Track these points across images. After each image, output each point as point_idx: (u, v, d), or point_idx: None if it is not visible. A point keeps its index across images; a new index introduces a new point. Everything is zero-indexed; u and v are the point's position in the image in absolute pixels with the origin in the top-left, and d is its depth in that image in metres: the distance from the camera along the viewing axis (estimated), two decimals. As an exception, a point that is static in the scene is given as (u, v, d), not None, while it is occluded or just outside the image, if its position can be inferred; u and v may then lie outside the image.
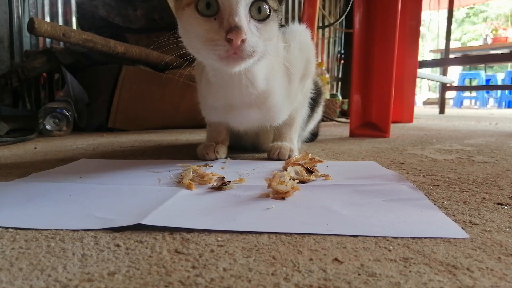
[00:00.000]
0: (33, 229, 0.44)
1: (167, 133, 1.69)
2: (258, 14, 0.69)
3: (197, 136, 1.54)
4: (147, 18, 2.10)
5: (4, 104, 1.94)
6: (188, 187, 0.62)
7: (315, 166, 0.76)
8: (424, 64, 3.62)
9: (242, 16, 0.65)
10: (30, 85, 2.05)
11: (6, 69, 1.93)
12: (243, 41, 0.64)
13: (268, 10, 0.70)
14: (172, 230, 0.44)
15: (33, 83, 2.07)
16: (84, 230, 0.43)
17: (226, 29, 0.64)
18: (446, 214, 0.49)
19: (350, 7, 2.34)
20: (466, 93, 7.31)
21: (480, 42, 7.95)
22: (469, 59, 4.97)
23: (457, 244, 0.40)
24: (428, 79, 5.07)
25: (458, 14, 9.93)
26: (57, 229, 0.44)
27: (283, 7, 0.73)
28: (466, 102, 7.53)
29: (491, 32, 6.89)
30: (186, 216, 0.48)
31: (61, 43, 1.99)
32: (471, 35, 10.76)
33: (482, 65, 6.90)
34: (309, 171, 0.72)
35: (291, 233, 0.43)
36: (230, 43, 0.64)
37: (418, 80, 3.32)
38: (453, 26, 5.20)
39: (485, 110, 5.59)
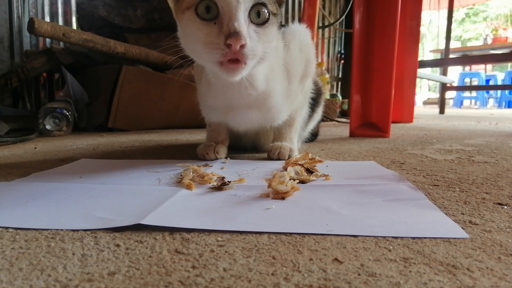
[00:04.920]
0: (33, 229, 0.44)
1: (167, 133, 1.69)
2: (258, 18, 0.69)
3: (197, 136, 1.54)
4: (147, 18, 2.10)
5: (4, 104, 1.94)
6: (188, 187, 0.62)
7: (315, 166, 0.76)
8: (424, 64, 3.62)
9: (242, 21, 0.65)
10: (30, 85, 2.05)
11: (6, 69, 1.93)
12: (242, 46, 0.64)
13: (268, 14, 0.70)
14: (172, 230, 0.44)
15: (33, 83, 2.07)
16: (84, 230, 0.43)
17: (225, 34, 0.64)
18: (446, 214, 0.49)
19: (350, 7, 2.35)
20: (466, 93, 7.30)
21: (480, 42, 7.95)
22: (469, 59, 4.96)
23: (457, 244, 0.40)
24: (428, 79, 5.06)
25: (457, 15, 9.91)
26: (57, 229, 0.44)
27: (283, 8, 0.72)
28: (466, 102, 7.52)
29: (491, 32, 6.89)
30: (186, 216, 0.48)
31: (61, 43, 1.99)
32: (471, 33, 10.75)
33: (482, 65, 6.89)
34: (309, 171, 0.72)
35: (291, 233, 0.43)
36: (229, 48, 0.64)
37: (418, 80, 3.32)
38: (453, 25, 5.19)
39: (485, 110, 5.59)
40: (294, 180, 0.63)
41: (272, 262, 0.36)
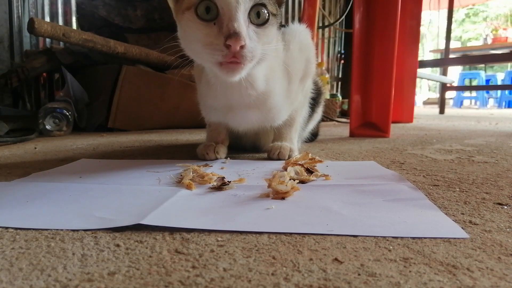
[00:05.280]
0: (33, 229, 0.44)
1: (167, 133, 1.69)
2: (257, 18, 0.69)
3: (197, 136, 1.54)
4: (147, 18, 2.11)
5: (4, 104, 1.94)
6: (188, 187, 0.62)
7: (315, 166, 0.76)
8: (424, 64, 3.62)
9: (241, 22, 0.65)
10: (30, 85, 2.05)
11: (6, 69, 1.93)
12: (242, 47, 0.64)
13: (267, 14, 0.70)
14: (172, 230, 0.44)
15: (33, 83, 2.08)
16: (84, 230, 0.43)
17: (225, 35, 0.64)
18: (446, 214, 0.49)
19: (350, 7, 2.34)
20: (466, 93, 7.30)
21: (480, 42, 7.95)
22: (469, 59, 4.96)
23: (457, 244, 0.40)
24: (428, 79, 5.06)
25: (457, 15, 9.91)
26: (57, 229, 0.44)
27: (283, 8, 0.73)
28: (466, 102, 7.53)
29: (491, 32, 6.89)
30: (186, 216, 0.48)
31: (61, 43, 1.99)
32: (471, 33, 10.75)
33: (482, 65, 6.89)
34: (309, 171, 0.72)
35: (291, 233, 0.43)
36: (228, 48, 0.64)
37: (418, 80, 3.32)
38: (453, 25, 5.19)
39: (485, 110, 5.59)
40: (294, 180, 0.63)
41: (272, 262, 0.36)
